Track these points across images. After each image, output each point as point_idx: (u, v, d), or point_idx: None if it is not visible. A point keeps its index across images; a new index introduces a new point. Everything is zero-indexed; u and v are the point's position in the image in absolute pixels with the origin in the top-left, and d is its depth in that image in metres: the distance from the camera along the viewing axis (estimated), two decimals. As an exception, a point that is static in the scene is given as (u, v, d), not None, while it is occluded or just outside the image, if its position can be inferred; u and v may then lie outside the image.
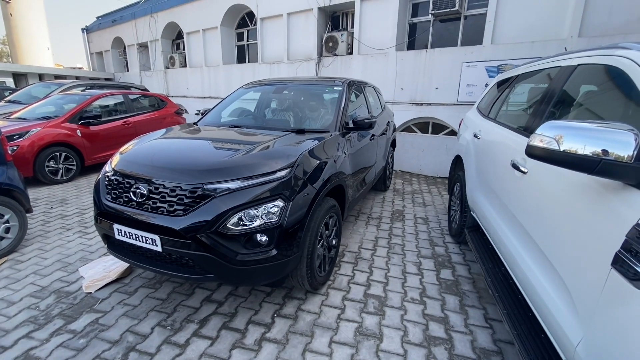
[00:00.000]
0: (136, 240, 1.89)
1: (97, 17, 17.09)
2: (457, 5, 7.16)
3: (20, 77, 15.55)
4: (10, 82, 14.10)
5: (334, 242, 2.52)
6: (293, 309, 2.21)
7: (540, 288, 1.47)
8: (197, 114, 10.67)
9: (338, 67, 9.13)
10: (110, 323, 2.05)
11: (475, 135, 2.80)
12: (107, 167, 2.21)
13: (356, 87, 3.48)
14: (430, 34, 8.04)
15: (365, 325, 2.08)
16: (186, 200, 1.81)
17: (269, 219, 1.83)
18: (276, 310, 2.19)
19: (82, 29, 17.37)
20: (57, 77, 14.97)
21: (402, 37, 8.26)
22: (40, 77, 15.70)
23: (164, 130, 2.82)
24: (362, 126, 2.83)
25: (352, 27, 9.08)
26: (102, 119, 5.71)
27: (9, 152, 2.98)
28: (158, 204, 1.85)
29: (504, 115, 2.47)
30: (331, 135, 2.61)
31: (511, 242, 1.84)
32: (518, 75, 2.51)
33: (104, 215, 2.03)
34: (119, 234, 1.95)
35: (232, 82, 11.56)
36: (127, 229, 1.90)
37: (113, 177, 2.06)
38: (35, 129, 4.80)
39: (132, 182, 1.95)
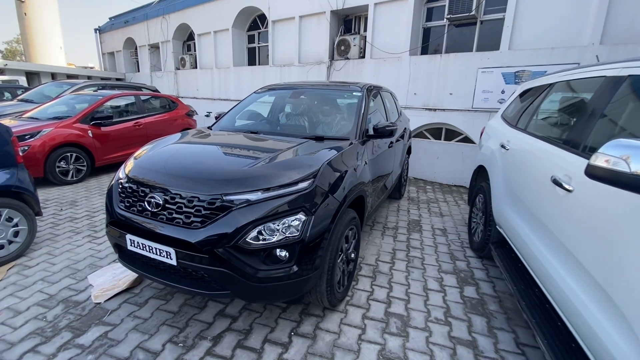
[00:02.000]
0: (150, 252, 1.79)
1: (110, 18, 17.27)
2: (473, 9, 7.03)
3: (33, 76, 15.74)
4: (23, 80, 14.27)
5: (352, 255, 2.40)
6: (311, 327, 2.09)
7: (589, 316, 1.33)
8: (207, 116, 10.56)
9: (350, 70, 9.04)
10: (119, 338, 1.95)
11: (502, 146, 2.66)
12: (121, 174, 2.12)
13: (374, 92, 3.37)
14: (444, 38, 7.90)
15: (388, 347, 1.95)
16: (204, 212, 1.70)
17: (290, 233, 1.72)
18: (293, 328, 2.07)
19: (95, 29, 17.56)
20: (69, 76, 15.13)
21: (416, 42, 8.13)
22: (53, 76, 15.88)
23: (178, 135, 2.73)
24: (383, 134, 2.71)
25: (365, 30, 8.99)
26: (114, 120, 5.67)
27: (20, 152, 2.92)
28: (174, 215, 1.75)
29: (539, 126, 2.34)
30: (351, 143, 2.50)
31: (550, 264, 1.70)
32: (552, 83, 2.37)
33: (116, 224, 1.94)
34: (131, 245, 1.86)
35: (242, 85, 11.54)
36: (141, 240, 1.80)
37: (127, 185, 1.97)
38: (46, 129, 4.76)
39: (147, 190, 1.86)
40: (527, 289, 2.02)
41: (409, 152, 4.95)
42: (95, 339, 1.93)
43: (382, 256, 3.06)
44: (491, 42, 7.27)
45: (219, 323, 2.10)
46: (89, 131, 5.25)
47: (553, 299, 1.69)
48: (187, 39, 14.03)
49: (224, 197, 1.71)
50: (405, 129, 4.44)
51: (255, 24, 11.67)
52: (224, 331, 2.03)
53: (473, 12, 7.04)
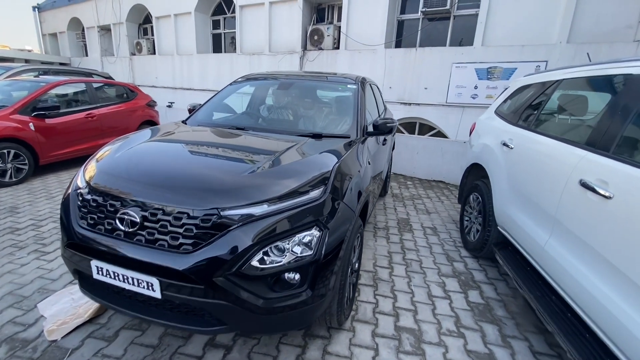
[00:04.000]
0: (124, 282, 1.42)
1: (50, -6, 15.29)
2: (448, 4, 7.03)
3: (-45, 58, 13.56)
4: (-58, 62, 12.21)
5: (356, 265, 2.19)
6: (319, 353, 1.84)
7: (629, 323, 1.24)
8: (169, 106, 9.69)
9: (324, 61, 8.74)
10: (85, 387, 1.57)
11: (505, 144, 2.57)
12: (79, 181, 1.69)
13: (366, 85, 3.14)
14: (419, 32, 7.87)
15: (407, 370, 1.77)
16: (196, 232, 1.37)
17: (302, 252, 1.45)
18: (298, 356, 1.82)
19: (34, 7, 15.52)
20: (3, 59, 13.19)
21: (391, 34, 8.02)
22: (-19, 58, 13.78)
23: (148, 131, 2.29)
24: (383, 130, 2.50)
25: (339, 20, 8.71)
26: (61, 111, 4.91)
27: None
28: (156, 236, 1.39)
29: (551, 125, 2.25)
30: (353, 141, 2.25)
31: (579, 271, 1.60)
32: (559, 80, 2.29)
33: (76, 247, 1.54)
34: (98, 273, 1.47)
35: (207, 73, 10.78)
36: (112, 268, 1.42)
37: (89, 197, 1.56)
38: (-26, 122, 3.98)
39: (118, 204, 1.47)
40: (545, 297, 1.93)
41: (393, 147, 4.83)
42: (52, 391, 1.54)
43: (379, 261, 2.89)
44: (464, 37, 7.35)
45: (211, 356, 1.78)
46: (30, 123, 4.49)
47: (581, 308, 1.59)
48: (143, 21, 12.81)
49: (222, 213, 1.39)
50: (392, 123, 4.28)
51: (220, 8, 10.90)
52: (218, 366, 1.72)
53: (447, 7, 7.03)
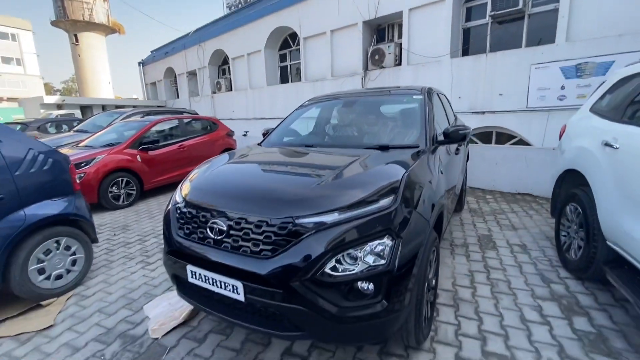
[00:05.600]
0: (214, 285, 1.57)
1: (152, 51, 18.52)
2: (520, 3, 6.53)
3: (86, 109, 17.13)
4: (78, 113, 15.55)
5: (433, 282, 2.05)
6: (396, 372, 1.75)
7: None
8: (244, 135, 10.65)
9: (386, 79, 8.77)
10: (181, 382, 1.74)
11: (607, 144, 2.21)
12: (178, 197, 1.96)
13: (433, 94, 3.04)
14: (488, 37, 7.41)
15: (500, 402, 1.56)
16: (274, 239, 1.47)
17: (375, 261, 1.43)
18: (375, 373, 1.75)
19: (139, 63, 18.89)
20: (117, 106, 16.25)
21: (457, 44, 7.71)
22: (103, 107, 17.19)
23: (226, 155, 2.55)
24: (455, 138, 2.37)
25: (400, 37, 8.73)
26: (160, 144, 5.80)
27: (77, 180, 2.92)
28: (240, 243, 1.53)
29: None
30: (423, 150, 2.18)
31: None
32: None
33: (176, 254, 1.76)
34: (192, 277, 1.66)
35: (276, 103, 11.66)
36: (204, 272, 1.59)
37: (185, 210, 1.79)
38: (100, 156, 4.93)
39: (208, 215, 1.67)
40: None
41: (467, 158, 4.51)
42: (155, 383, 1.74)
43: (458, 280, 2.66)
44: (543, 36, 6.68)
45: (288, 364, 1.83)
46: (138, 156, 5.38)
47: None
48: (222, 63, 14.60)
49: (296, 221, 1.46)
50: (464, 133, 4.04)
51: (286, 42, 11.86)
52: (296, 376, 1.75)
53: (520, 6, 6.54)
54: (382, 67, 8.76)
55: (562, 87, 6.16)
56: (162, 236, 2.38)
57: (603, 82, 2.78)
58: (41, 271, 2.53)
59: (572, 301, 2.33)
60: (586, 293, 2.42)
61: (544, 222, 3.85)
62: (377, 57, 8.78)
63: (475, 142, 7.40)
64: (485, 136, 7.71)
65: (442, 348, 1.91)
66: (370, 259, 1.43)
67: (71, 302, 2.56)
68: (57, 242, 2.63)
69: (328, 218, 1.47)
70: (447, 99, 4.03)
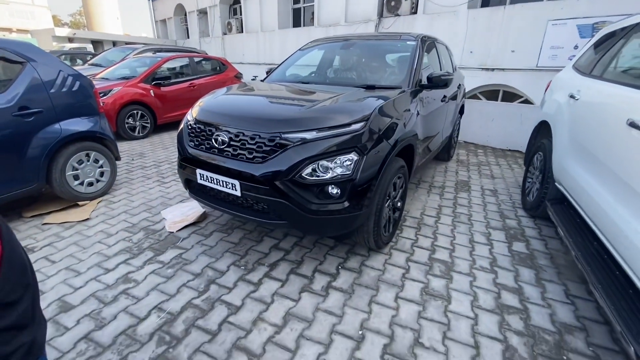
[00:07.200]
0: (217, 184, 2.01)
1: (162, -16, 17.66)
2: (548, -50, 6.12)
3: (97, 44, 16.99)
4: (90, 48, 15.50)
5: (399, 204, 2.47)
6: (357, 264, 2.24)
7: None
8: (253, 80, 10.74)
9: (399, 28, 8.54)
10: (191, 259, 2.27)
11: (571, 96, 2.45)
12: (189, 117, 2.33)
13: (429, 43, 3.21)
14: (510, -13, 7.05)
15: (431, 286, 2.04)
16: (265, 148, 1.86)
17: (343, 171, 1.82)
18: (340, 263, 2.24)
19: (149, -3, 18.14)
20: (127, 43, 16.05)
21: (477, -7, 7.37)
22: (114, 43, 16.99)
23: (231, 86, 2.88)
24: (438, 84, 2.63)
25: (418, -17, 8.30)
26: (171, 81, 6.05)
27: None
28: (238, 151, 1.93)
29: (622, 73, 2.10)
30: (403, 91, 2.47)
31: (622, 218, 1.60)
32: (637, 23, 2.09)
33: (188, 161, 2.18)
34: (201, 179, 2.09)
35: (287, 47, 11.45)
36: (209, 174, 2.02)
37: (195, 126, 2.18)
38: (116, 88, 5.25)
39: (213, 130, 2.05)
40: (584, 241, 1.95)
41: (461, 111, 4.72)
42: (172, 258, 2.27)
43: (427, 211, 3.09)
44: (567, -11, 6.34)
45: (274, 254, 2.33)
46: (151, 91, 5.68)
47: (616, 249, 1.63)
48: (233, 2, 14.04)
49: (282, 135, 1.84)
50: (459, 85, 4.21)
51: (301, -18, 11.30)
52: (279, 260, 2.26)
53: (547, -47, 6.15)
54: (397, 15, 8.48)
55: (576, 47, 6.01)
56: (175, 163, 2.78)
57: (576, 46, 2.90)
58: (76, 177, 3.02)
59: (518, 232, 2.75)
60: (533, 227, 2.83)
61: (522, 174, 4.17)
62: (393, 3, 8.46)
63: (480, 99, 7.43)
64: (492, 94, 7.71)
65: (398, 253, 2.39)
66: (338, 170, 1.82)
67: (101, 205, 3.09)
68: (87, 154, 3.09)
69: (308, 135, 1.83)
70: (448, 49, 4.14)
